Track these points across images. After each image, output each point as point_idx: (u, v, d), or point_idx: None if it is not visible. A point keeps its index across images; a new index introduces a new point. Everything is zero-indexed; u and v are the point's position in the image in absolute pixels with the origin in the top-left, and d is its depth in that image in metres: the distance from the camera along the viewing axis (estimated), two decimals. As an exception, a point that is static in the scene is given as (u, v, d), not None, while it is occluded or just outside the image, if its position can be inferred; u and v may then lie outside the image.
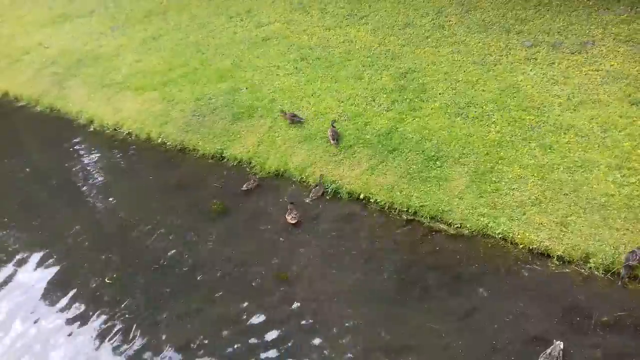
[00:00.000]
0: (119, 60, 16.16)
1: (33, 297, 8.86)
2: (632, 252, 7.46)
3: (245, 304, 8.18)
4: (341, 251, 8.90)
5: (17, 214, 11.05)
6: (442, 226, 9.03)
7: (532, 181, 9.20)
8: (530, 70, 11.79)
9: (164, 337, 7.88)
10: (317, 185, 10.21)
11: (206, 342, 7.71)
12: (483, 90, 11.55)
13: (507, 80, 11.67)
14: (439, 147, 10.37)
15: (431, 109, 11.39)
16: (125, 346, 7.85)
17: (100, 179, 11.86)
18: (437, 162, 10.07)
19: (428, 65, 12.77)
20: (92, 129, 13.84)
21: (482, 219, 8.80)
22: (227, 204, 10.32)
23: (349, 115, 11.68)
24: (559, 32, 12.71)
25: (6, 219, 10.94)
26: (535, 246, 8.20)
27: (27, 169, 12.61)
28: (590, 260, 7.79)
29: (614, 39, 12.02)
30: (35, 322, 8.42)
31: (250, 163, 11.35)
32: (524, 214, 8.69)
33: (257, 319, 7.92)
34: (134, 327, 8.11)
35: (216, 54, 15.24)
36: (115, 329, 8.11)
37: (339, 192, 10.11)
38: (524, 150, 9.85)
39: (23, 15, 21.18)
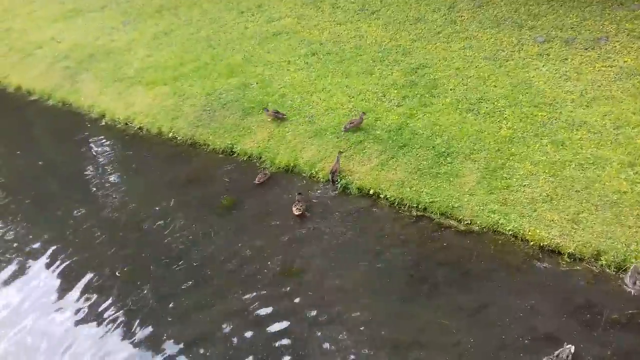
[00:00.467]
0: (131, 55, 16.24)
1: (44, 289, 8.95)
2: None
3: (254, 298, 8.21)
4: (350, 246, 8.90)
5: (29, 208, 11.16)
6: (452, 222, 9.01)
7: (544, 178, 9.14)
8: (543, 66, 11.70)
9: (174, 330, 7.93)
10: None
11: (215, 335, 7.75)
12: (495, 86, 11.48)
13: (519, 76, 11.59)
14: (450, 143, 10.34)
15: (442, 104, 11.35)
16: (135, 338, 7.91)
17: (111, 173, 11.94)
18: (448, 158, 10.04)
19: (439, 61, 12.71)
20: (103, 123, 13.94)
21: (492, 216, 8.76)
22: (237, 198, 10.36)
23: (359, 111, 11.65)
24: (572, 28, 12.59)
25: (18, 212, 11.05)
26: (546, 243, 8.16)
27: (40, 163, 12.73)
28: (602, 258, 7.74)
29: (627, 35, 11.89)
30: (46, 314, 8.50)
31: (260, 158, 11.37)
32: (535, 210, 8.64)
33: (266, 313, 7.95)
34: (145, 319, 8.17)
35: (227, 49, 15.27)
36: (126, 321, 8.18)
37: (349, 188, 10.11)
38: (535, 146, 9.79)
39: (35, 10, 21.33)
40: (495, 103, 11.02)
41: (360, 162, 10.48)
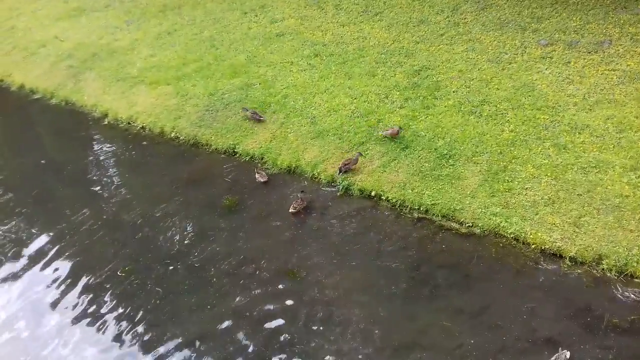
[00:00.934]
0: (134, 55, 16.26)
1: (46, 289, 8.96)
2: None
3: (255, 298, 8.22)
4: (352, 248, 8.91)
5: (31, 207, 11.18)
6: (454, 225, 9.00)
7: (546, 181, 9.13)
8: (546, 69, 11.69)
9: (175, 330, 7.93)
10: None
11: (217, 336, 7.76)
12: (497, 89, 11.48)
13: (522, 79, 11.58)
14: (452, 145, 10.33)
15: (444, 107, 11.35)
16: (136, 337, 7.92)
17: (113, 172, 11.97)
18: (450, 161, 10.03)
19: (442, 63, 12.71)
20: (106, 123, 13.96)
21: (494, 218, 8.76)
22: (239, 199, 10.37)
23: (362, 112, 11.67)
24: (575, 31, 12.58)
25: (20, 211, 11.06)
26: (547, 246, 8.14)
27: (42, 162, 12.75)
28: (603, 262, 7.72)
29: (631, 39, 11.87)
30: (46, 312, 8.52)
31: (262, 158, 11.38)
32: (537, 214, 8.63)
33: (267, 313, 7.95)
34: (146, 318, 8.18)
35: (230, 49, 15.29)
36: (127, 321, 8.19)
37: (351, 189, 10.11)
38: (537, 149, 9.78)
39: (39, 8, 21.37)
40: (498, 106, 11.02)
41: (361, 164, 10.48)
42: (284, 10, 16.68)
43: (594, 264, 7.82)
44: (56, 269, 9.31)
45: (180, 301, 8.38)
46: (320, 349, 7.35)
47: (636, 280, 7.45)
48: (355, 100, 12.15)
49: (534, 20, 13.31)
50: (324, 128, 11.53)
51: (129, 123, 13.61)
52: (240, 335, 7.71)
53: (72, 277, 9.10)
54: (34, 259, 9.63)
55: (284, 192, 10.40)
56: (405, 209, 9.51)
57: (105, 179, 11.73)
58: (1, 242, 10.19)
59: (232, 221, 9.88)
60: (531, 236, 8.34)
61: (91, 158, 12.66)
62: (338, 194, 10.16)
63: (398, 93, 12.06)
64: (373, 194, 9.91)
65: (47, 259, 9.57)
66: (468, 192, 9.34)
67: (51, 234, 10.18)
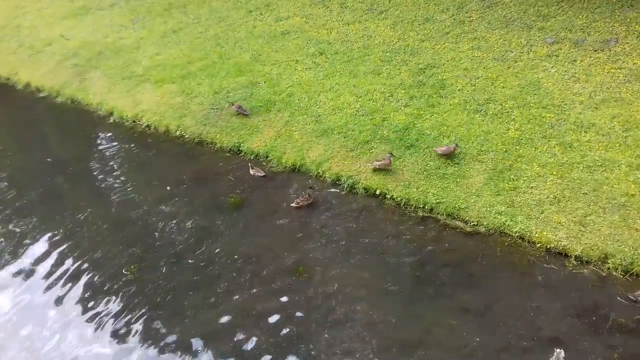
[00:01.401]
0: (139, 53, 16.30)
1: (50, 286, 8.99)
2: None
3: (261, 297, 8.23)
4: (356, 247, 8.90)
5: (37, 205, 11.22)
6: (459, 223, 8.99)
7: (551, 180, 9.10)
8: (552, 67, 11.65)
9: (180, 328, 7.95)
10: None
11: (221, 333, 7.78)
12: (503, 87, 11.45)
13: (528, 77, 11.54)
14: (457, 143, 10.30)
15: (450, 105, 11.32)
16: (142, 336, 7.93)
17: (119, 170, 11.99)
18: (455, 159, 10.01)
19: (447, 61, 12.68)
20: (111, 121, 14.01)
21: (499, 217, 8.74)
22: (244, 197, 10.39)
23: (367, 111, 11.66)
24: (581, 29, 12.51)
25: (25, 209, 11.11)
26: (553, 245, 8.13)
27: (48, 160, 12.79)
28: (609, 261, 7.71)
29: (637, 37, 11.80)
30: (52, 311, 8.55)
31: (267, 157, 11.39)
32: (542, 212, 8.61)
33: (272, 312, 7.96)
34: (151, 317, 8.19)
35: (235, 48, 15.30)
36: (133, 319, 8.20)
37: (356, 188, 10.11)
38: (543, 148, 9.75)
39: (45, 7, 21.43)
40: (503, 104, 10.99)
41: (367, 162, 10.47)
42: (289, 8, 16.66)
43: (599, 263, 7.80)
44: (61, 267, 9.33)
45: (185, 299, 8.40)
46: (325, 347, 7.36)
47: (642, 279, 7.44)
48: (360, 99, 12.14)
49: (540, 18, 13.25)
50: (329, 126, 11.53)
51: (134, 121, 13.65)
52: (245, 333, 7.72)
53: (77, 275, 9.12)
54: (38, 257, 9.65)
55: (288, 191, 10.41)
56: (410, 208, 9.51)
57: (110, 177, 11.76)
58: (6, 240, 10.24)
59: (236, 219, 9.89)
60: (536, 235, 8.31)
61: (96, 156, 12.69)
62: (343, 192, 10.15)
63: (403, 91, 12.04)
64: (378, 192, 9.91)
65: (51, 256, 9.59)
66: (473, 191, 9.33)
67: (56, 232, 10.21)
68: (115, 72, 15.63)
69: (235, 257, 9.05)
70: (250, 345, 7.55)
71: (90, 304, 8.55)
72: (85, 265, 9.32)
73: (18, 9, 21.86)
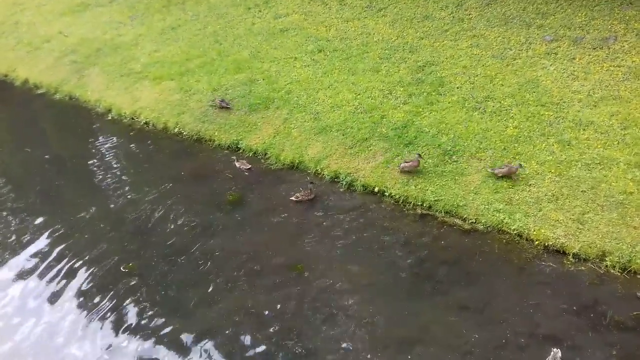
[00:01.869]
0: (138, 50, 16.26)
1: (48, 283, 8.97)
2: None
3: (260, 294, 8.23)
4: (355, 244, 8.90)
5: (35, 202, 11.21)
6: (457, 221, 8.99)
7: (550, 177, 9.11)
8: (551, 65, 11.64)
9: (179, 325, 7.94)
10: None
11: (220, 330, 7.77)
12: (502, 85, 11.44)
13: (527, 75, 11.54)
14: (456, 141, 10.32)
15: (448, 102, 11.32)
16: (139, 333, 7.92)
17: (117, 167, 11.98)
18: (454, 157, 10.02)
19: (446, 59, 12.67)
20: (109, 118, 13.99)
21: (497, 215, 8.74)
22: (242, 194, 10.38)
23: (366, 108, 11.65)
24: (580, 27, 12.51)
25: (23, 206, 11.09)
26: (551, 243, 8.13)
27: (46, 156, 12.77)
28: (607, 259, 7.71)
29: (636, 35, 11.80)
30: (50, 308, 8.54)
31: (265, 154, 11.39)
32: (540, 210, 8.61)
33: (271, 309, 7.96)
34: (149, 314, 8.18)
35: (234, 45, 15.27)
36: (131, 316, 8.19)
37: (354, 185, 10.11)
38: (541, 146, 9.76)
39: (43, 3, 21.35)
40: (502, 102, 10.98)
41: (365, 160, 10.48)
42: (288, 5, 16.63)
43: (597, 260, 7.80)
44: (58, 264, 9.31)
45: (184, 296, 8.39)
46: (323, 344, 7.36)
47: (639, 277, 7.43)
48: (358, 96, 12.13)
49: (539, 16, 13.24)
50: (328, 124, 11.52)
51: (132, 118, 13.63)
52: (244, 330, 7.72)
53: (75, 272, 9.10)
54: (36, 254, 9.63)
55: (287, 188, 10.39)
56: (409, 205, 9.51)
57: (108, 174, 11.74)
58: (5, 237, 10.22)
59: (235, 216, 9.89)
60: (534, 232, 8.32)
61: (94, 153, 12.67)
62: (341, 189, 10.15)
63: (402, 89, 12.03)
64: (376, 189, 9.90)
65: (49, 254, 9.57)
66: (471, 189, 9.33)
67: (54, 229, 10.18)
68: (113, 69, 15.59)
69: (234, 254, 9.04)
70: (248, 342, 7.55)
71: (88, 301, 8.54)
72: (84, 262, 9.30)
73: (16, 5, 21.78)
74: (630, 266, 7.54)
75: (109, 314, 8.29)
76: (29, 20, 20.17)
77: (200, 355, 7.48)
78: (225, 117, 12.47)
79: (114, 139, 13.07)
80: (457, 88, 11.68)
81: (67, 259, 9.40)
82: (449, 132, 10.57)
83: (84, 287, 8.82)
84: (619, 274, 7.54)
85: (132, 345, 7.77)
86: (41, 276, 9.14)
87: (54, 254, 9.56)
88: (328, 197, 10.05)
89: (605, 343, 6.70)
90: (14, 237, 10.18)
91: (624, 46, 11.61)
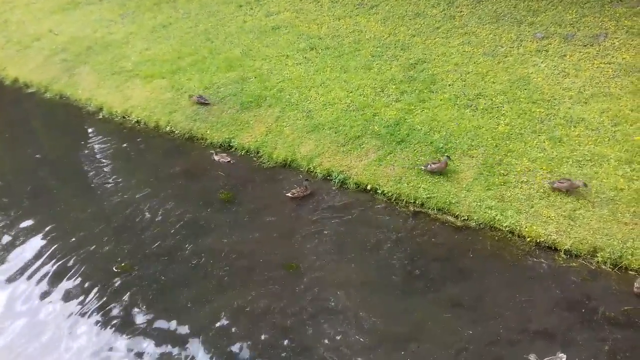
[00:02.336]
0: (129, 48, 16.18)
1: (41, 284, 8.90)
2: None
3: (253, 293, 8.20)
4: (348, 242, 8.90)
5: (26, 201, 11.12)
6: (449, 218, 9.01)
7: (541, 174, 9.14)
8: (542, 62, 11.68)
9: (172, 324, 7.91)
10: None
11: (213, 329, 7.75)
12: (493, 82, 11.47)
13: (518, 72, 11.57)
14: (448, 138, 10.34)
15: (440, 100, 11.34)
16: (132, 333, 7.88)
17: (108, 166, 11.90)
18: (446, 154, 10.02)
19: (438, 56, 12.68)
20: (100, 117, 13.91)
21: (489, 212, 8.77)
22: (234, 193, 10.35)
23: (358, 106, 11.64)
24: (571, 24, 12.56)
25: (14, 206, 11.00)
26: (542, 239, 8.17)
27: (37, 156, 12.68)
28: (598, 255, 7.76)
29: (626, 32, 11.86)
30: (41, 307, 8.48)
31: (258, 152, 11.36)
32: (532, 207, 8.65)
33: (264, 308, 7.94)
34: (142, 314, 8.15)
35: (225, 43, 15.22)
36: (123, 316, 8.15)
37: (346, 183, 10.11)
38: (533, 143, 9.79)
39: (33, 2, 21.21)
40: (494, 99, 11.01)
41: (357, 157, 10.48)
42: (280, 3, 16.60)
43: (588, 256, 7.85)
44: (50, 263, 9.23)
45: (176, 296, 8.36)
46: (316, 342, 7.35)
47: (631, 272, 7.48)
48: (351, 94, 12.12)
49: (530, 13, 13.28)
50: (320, 122, 11.51)
51: (123, 117, 13.56)
52: (237, 329, 7.70)
53: (67, 272, 9.02)
54: (27, 253, 9.55)
55: (279, 186, 10.38)
56: (401, 203, 9.52)
57: (99, 174, 11.66)
58: (-5, 237, 10.16)
59: (228, 215, 9.86)
60: (526, 229, 8.35)
61: (86, 152, 12.58)
62: (334, 187, 10.15)
63: (394, 86, 12.04)
64: (369, 187, 9.91)
65: (41, 253, 9.50)
66: (464, 186, 9.35)
67: (45, 228, 10.10)
68: (104, 67, 15.50)
69: (226, 252, 9.01)
70: (241, 341, 7.53)
71: (80, 301, 8.48)
72: (75, 261, 9.23)
73: (6, 3, 21.61)
74: (622, 262, 7.60)
75: (100, 313, 8.24)
76: (18, 19, 20.01)
77: (193, 354, 7.45)
78: (217, 116, 12.43)
79: (105, 138, 12.99)
80: (449, 85, 11.70)
81: (57, 258, 9.32)
82: (441, 129, 10.59)
83: (75, 287, 8.75)
84: (610, 270, 7.59)
85: (123, 344, 7.73)
86: (31, 276, 9.05)
87: (45, 253, 9.48)
88: (320, 195, 10.04)
89: (596, 338, 6.75)
90: (3, 236, 10.08)
91: (614, 43, 11.67)
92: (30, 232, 10.08)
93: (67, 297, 8.60)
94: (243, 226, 9.56)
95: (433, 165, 9.69)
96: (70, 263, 9.22)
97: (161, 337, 7.75)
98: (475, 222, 8.77)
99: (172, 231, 9.63)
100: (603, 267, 7.66)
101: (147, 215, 10.10)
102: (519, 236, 8.39)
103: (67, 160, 12.39)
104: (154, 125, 12.90)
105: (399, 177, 9.85)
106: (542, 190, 8.86)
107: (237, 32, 15.63)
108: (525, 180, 9.14)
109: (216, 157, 11.29)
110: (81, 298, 8.55)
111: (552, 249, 8.07)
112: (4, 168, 12.56)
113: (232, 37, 15.44)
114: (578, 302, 7.24)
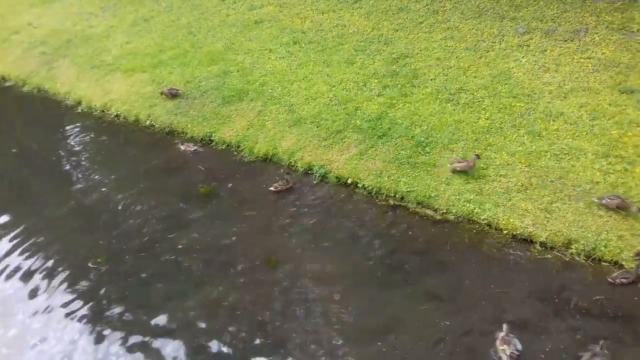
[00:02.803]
0: (109, 42, 15.99)
1: (17, 280, 8.78)
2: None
3: (232, 287, 8.15)
4: (328, 236, 8.88)
5: (3, 195, 10.95)
6: (428, 212, 9.02)
7: (520, 168, 9.19)
8: (523, 57, 11.73)
9: (150, 319, 7.83)
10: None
11: (192, 324, 7.68)
12: (474, 77, 11.50)
13: (499, 67, 11.61)
14: (429, 133, 10.34)
15: (422, 94, 11.34)
16: (110, 328, 7.79)
17: (87, 161, 11.76)
18: (427, 148, 10.04)
19: (421, 51, 12.69)
20: (79, 111, 13.75)
21: (468, 205, 8.79)
22: (215, 187, 10.27)
23: (340, 100, 11.62)
24: (552, 20, 12.62)
25: (-8, 200, 10.87)
26: (519, 232, 8.21)
27: (14, 150, 12.49)
28: (572, 247, 7.82)
29: (607, 27, 11.95)
30: (18, 303, 8.36)
31: (239, 146, 11.28)
32: (510, 200, 8.69)
33: (244, 302, 7.89)
34: (120, 309, 8.04)
35: (208, 37, 15.10)
36: (101, 311, 8.05)
37: (327, 177, 10.08)
38: (512, 137, 9.83)
39: (13, -6, 20.90)
40: (475, 93, 11.04)
41: (339, 151, 10.45)
42: (263, -3, 16.50)
43: (563, 248, 7.90)
44: (27, 259, 9.12)
45: (154, 290, 8.28)
46: (295, 336, 7.33)
47: (604, 263, 7.54)
48: (333, 88, 12.09)
49: (512, 8, 13.33)
50: (302, 116, 11.46)
51: (103, 111, 13.41)
52: (216, 323, 7.65)
53: (43, 268, 8.91)
54: (2, 249, 9.42)
55: (259, 180, 10.32)
56: (381, 197, 9.51)
57: (78, 168, 11.53)
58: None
59: (207, 209, 9.79)
60: (504, 222, 8.39)
61: (63, 146, 12.42)
62: (315, 182, 10.11)
63: (376, 81, 12.02)
64: (349, 181, 9.89)
65: (17, 248, 9.36)
66: (443, 180, 9.36)
67: (22, 224, 9.94)
68: (84, 60, 15.32)
69: (205, 247, 8.95)
70: (219, 335, 7.48)
71: (56, 296, 8.38)
72: (51, 257, 9.13)
73: (-16, -4, 21.26)
74: (595, 253, 7.66)
75: (76, 308, 8.15)
76: (-3, 12, 19.71)
77: (171, 349, 7.38)
78: (199, 110, 12.33)
79: (84, 132, 12.83)
80: (431, 80, 11.71)
81: (34, 253, 9.22)
82: (423, 123, 10.60)
83: (51, 282, 8.65)
84: (584, 261, 7.65)
85: (99, 340, 7.64)
86: (6, 271, 8.92)
87: (21, 248, 9.36)
88: (301, 189, 10.00)
89: (569, 328, 6.80)
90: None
91: (594, 38, 11.75)
92: (5, 227, 9.93)
93: (42, 291, 8.50)
94: (223, 220, 9.50)
95: (458, 164, 9.23)
96: (46, 258, 9.11)
97: (136, 333, 7.67)
98: (453, 215, 8.79)
99: (150, 225, 9.54)
100: (577, 258, 7.72)
101: (125, 210, 10.00)
102: (496, 229, 8.42)
103: (45, 155, 12.21)
104: (134, 119, 12.77)
105: (379, 171, 9.84)
106: (520, 183, 8.90)
107: (220, 25, 15.51)
108: (504, 173, 9.17)
109: (182, 147, 11.32)
110: (57, 293, 8.45)
111: (528, 241, 8.12)
112: (-20, 162, 12.37)
113: (214, 30, 15.32)
114: (552, 292, 7.29)
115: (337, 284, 8.03)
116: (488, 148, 9.71)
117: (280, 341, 7.30)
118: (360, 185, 9.77)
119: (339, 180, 9.99)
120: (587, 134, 9.52)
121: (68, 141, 12.56)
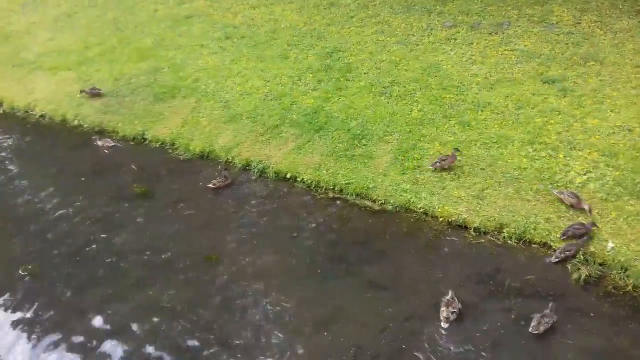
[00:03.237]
0: (31, 39, 15.19)
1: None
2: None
3: (172, 288, 7.97)
4: (268, 231, 8.86)
5: None
6: (367, 203, 9.18)
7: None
8: (451, 50, 12.14)
9: (87, 324, 7.53)
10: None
11: (131, 328, 7.46)
12: (406, 70, 11.79)
13: (429, 59, 11.96)
14: (364, 125, 10.51)
15: (356, 88, 11.51)
16: (46, 336, 7.44)
17: (10, 164, 11.13)
18: (363, 141, 10.20)
19: (353, 45, 12.86)
20: (1, 112, 12.98)
21: (404, 195, 9.01)
22: (150, 186, 10.00)
23: (275, 95, 11.59)
24: (477, 13, 13.14)
25: None
26: (454, 219, 8.51)
27: None
28: (504, 231, 8.18)
29: (528, 20, 12.57)
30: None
31: (174, 144, 11.03)
32: (444, 188, 8.98)
33: (185, 303, 7.74)
34: (55, 317, 7.70)
35: (136, 32, 14.63)
36: (35, 320, 7.68)
37: (266, 172, 10.04)
38: (444, 127, 10.17)
39: None
40: (407, 86, 11.32)
41: (276, 147, 10.43)
42: (193, -9, 16.15)
43: (495, 233, 8.26)
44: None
45: (89, 295, 7.97)
46: (239, 331, 7.27)
47: (534, 245, 7.96)
48: (268, 83, 12.05)
49: (439, 3, 13.76)
50: (237, 112, 11.35)
51: (26, 111, 12.73)
52: (156, 325, 7.46)
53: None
54: None
55: (197, 178, 10.14)
56: (321, 190, 9.59)
57: (2, 171, 10.87)
58: None
59: (143, 209, 9.52)
60: (439, 210, 8.67)
61: (-16, 150, 11.71)
62: (253, 177, 10.05)
63: (311, 75, 12.08)
64: (288, 176, 9.89)
65: (-64, 260, 8.77)
66: (380, 171, 9.55)
67: (-60, 233, 9.33)
68: (4, 59, 14.49)
69: (143, 248, 8.71)
70: (160, 338, 7.30)
71: (-18, 309, 7.91)
72: (-25, 267, 8.60)
73: None
74: (525, 236, 8.06)
75: (9, 319, 7.72)
76: None
77: (108, 355, 7.14)
78: (129, 108, 11.94)
79: (6, 134, 12.14)
80: (365, 74, 11.90)
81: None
82: (358, 116, 10.76)
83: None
84: (516, 244, 8.04)
85: (37, 348, 7.29)
86: None
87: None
88: (240, 185, 9.92)
89: (503, 308, 7.13)
90: None
91: (517, 31, 12.33)
92: None
93: (-33, 305, 7.99)
94: (160, 220, 9.27)
95: (443, 162, 9.24)
96: (-30, 269, 8.55)
97: (71, 340, 7.38)
98: (391, 205, 8.99)
99: (83, 229, 9.17)
100: (509, 242, 8.09)
101: (55, 214, 9.56)
102: (432, 217, 8.69)
103: (-37, 160, 11.46)
104: (61, 119, 12.21)
105: (318, 164, 9.91)
106: (452, 172, 9.22)
107: (148, 20, 15.07)
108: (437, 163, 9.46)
109: (99, 143, 11.01)
110: (-17, 305, 7.96)
111: (463, 227, 8.43)
112: None
113: (142, 26, 14.87)
114: (487, 275, 7.61)
115: (279, 278, 8.03)
116: (421, 139, 10.00)
117: (224, 339, 7.22)
118: (299, 179, 9.79)
119: (278, 175, 9.98)
120: (513, 122, 9.99)
121: (-11, 144, 11.85)
